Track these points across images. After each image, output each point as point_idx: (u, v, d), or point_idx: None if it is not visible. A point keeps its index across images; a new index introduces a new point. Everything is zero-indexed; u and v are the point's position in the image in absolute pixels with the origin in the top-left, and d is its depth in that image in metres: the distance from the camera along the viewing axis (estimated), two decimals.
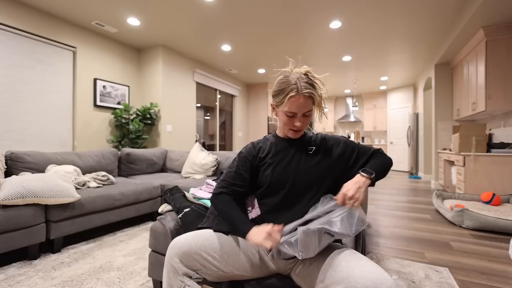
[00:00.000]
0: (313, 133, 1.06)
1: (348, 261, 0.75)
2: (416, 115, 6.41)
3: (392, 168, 7.78)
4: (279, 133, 1.04)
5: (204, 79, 5.47)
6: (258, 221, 1.00)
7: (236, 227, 0.89)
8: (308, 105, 0.89)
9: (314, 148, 0.98)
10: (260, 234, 0.80)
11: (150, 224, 2.53)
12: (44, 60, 3.37)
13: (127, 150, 3.11)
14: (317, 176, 0.93)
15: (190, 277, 0.84)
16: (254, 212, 1.04)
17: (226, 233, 0.94)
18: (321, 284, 0.76)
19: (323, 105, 0.99)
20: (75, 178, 2.23)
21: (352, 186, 0.82)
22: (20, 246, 1.66)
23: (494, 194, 2.76)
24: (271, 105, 0.99)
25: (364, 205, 1.97)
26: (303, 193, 0.92)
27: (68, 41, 3.60)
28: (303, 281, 0.84)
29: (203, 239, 0.89)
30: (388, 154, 7.84)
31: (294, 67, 0.96)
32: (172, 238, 1.20)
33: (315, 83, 0.92)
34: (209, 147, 6.06)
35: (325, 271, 0.77)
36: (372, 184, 0.87)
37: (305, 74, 0.91)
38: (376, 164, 0.93)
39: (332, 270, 0.75)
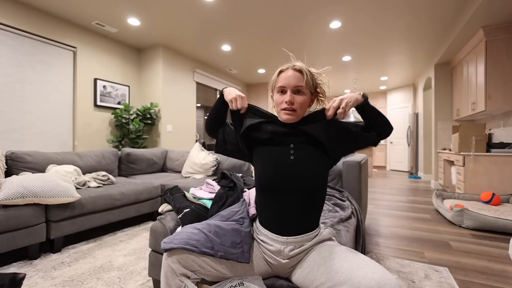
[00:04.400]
0: None
1: (349, 262, 0.73)
2: (416, 115, 6.41)
3: (392, 168, 7.78)
4: None
5: (204, 79, 5.47)
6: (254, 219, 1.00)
7: (216, 105, 0.99)
8: (297, 78, 0.87)
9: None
10: (232, 92, 0.94)
11: (150, 224, 2.53)
12: (44, 60, 3.37)
13: (127, 150, 3.11)
14: (311, 174, 0.85)
15: (188, 277, 0.83)
16: (252, 209, 1.04)
17: None
18: (323, 286, 0.74)
19: (323, 97, 0.95)
20: (75, 178, 2.23)
21: (338, 98, 0.88)
22: (21, 246, 1.66)
23: (493, 194, 2.76)
24: (271, 96, 0.96)
25: (363, 205, 1.98)
26: (299, 194, 0.85)
27: (69, 41, 3.60)
28: (303, 283, 0.82)
29: None
30: (388, 154, 7.86)
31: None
32: None
33: (313, 76, 0.92)
34: (209, 147, 6.06)
35: (326, 273, 0.75)
36: (363, 106, 0.90)
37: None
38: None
39: (333, 272, 0.74)
